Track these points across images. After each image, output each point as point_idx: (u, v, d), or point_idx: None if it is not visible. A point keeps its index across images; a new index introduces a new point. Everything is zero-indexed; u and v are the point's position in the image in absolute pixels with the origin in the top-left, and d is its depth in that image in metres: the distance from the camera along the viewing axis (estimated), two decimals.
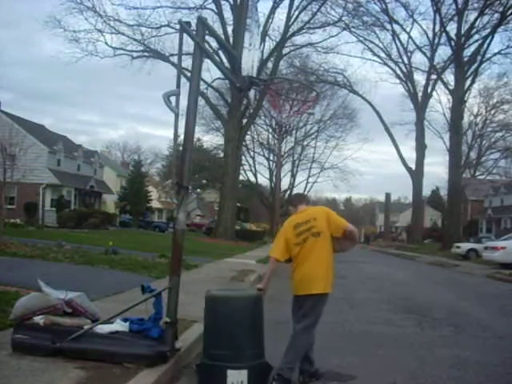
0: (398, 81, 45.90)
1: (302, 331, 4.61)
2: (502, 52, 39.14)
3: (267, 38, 36.15)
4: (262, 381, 4.45)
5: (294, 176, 60.23)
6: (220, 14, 34.37)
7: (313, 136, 57.76)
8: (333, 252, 4.77)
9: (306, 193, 62.89)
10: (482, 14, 36.17)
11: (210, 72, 35.98)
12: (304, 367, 4.72)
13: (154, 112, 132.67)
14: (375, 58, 44.72)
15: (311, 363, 4.79)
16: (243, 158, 49.14)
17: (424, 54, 42.77)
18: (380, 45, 42.82)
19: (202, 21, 5.04)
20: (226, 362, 4.31)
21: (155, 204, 55.45)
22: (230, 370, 4.29)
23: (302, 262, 4.64)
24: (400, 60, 43.56)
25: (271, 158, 57.32)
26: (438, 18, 38.62)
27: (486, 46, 37.51)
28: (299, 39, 40.24)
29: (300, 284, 4.66)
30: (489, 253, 23.83)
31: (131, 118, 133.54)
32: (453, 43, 38.07)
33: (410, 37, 42.26)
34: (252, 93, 6.01)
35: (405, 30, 41.63)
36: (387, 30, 41.14)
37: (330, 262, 4.72)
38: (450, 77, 42.34)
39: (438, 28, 39.99)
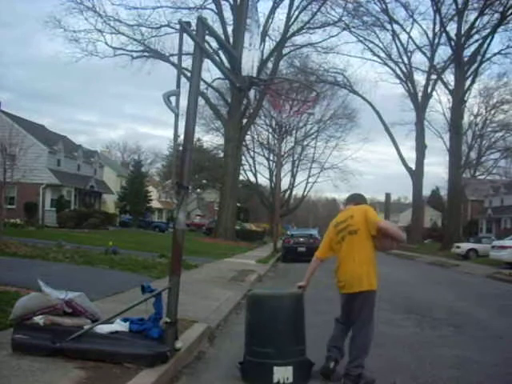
0: (398, 81, 45.93)
1: (360, 329, 4.70)
2: (502, 52, 39.17)
3: (267, 38, 36.23)
4: (305, 377, 4.57)
5: (294, 176, 60.14)
6: (220, 14, 34.39)
7: (313, 136, 57.67)
8: (375, 250, 4.76)
9: (305, 193, 63.07)
10: (481, 13, 36.19)
11: (210, 72, 36.12)
12: (332, 354, 4.76)
13: (153, 112, 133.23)
14: (375, 58, 44.76)
15: (341, 353, 4.83)
16: (243, 157, 49.12)
17: (424, 54, 42.81)
18: (380, 45, 42.87)
19: (202, 21, 5.04)
20: (271, 359, 4.43)
21: (155, 204, 55.45)
22: (276, 366, 4.39)
23: (344, 260, 4.70)
24: (400, 60, 43.60)
25: (271, 158, 57.24)
26: (438, 17, 38.66)
27: (485, 45, 37.54)
28: (299, 39, 40.35)
29: (342, 282, 4.72)
30: (496, 252, 23.83)
31: (130, 118, 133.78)
32: (453, 43, 38.07)
33: (410, 37, 42.31)
34: (252, 93, 6.02)
35: (405, 30, 41.67)
36: (387, 30, 41.19)
37: (371, 259, 4.71)
38: (450, 77, 42.38)
39: (438, 28, 40.03)
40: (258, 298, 4.74)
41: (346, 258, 4.67)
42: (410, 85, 44.43)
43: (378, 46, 42.89)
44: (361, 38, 41.63)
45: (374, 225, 4.62)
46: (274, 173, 55.17)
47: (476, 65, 38.48)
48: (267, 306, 4.61)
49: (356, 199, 5.07)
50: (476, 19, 36.87)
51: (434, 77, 43.13)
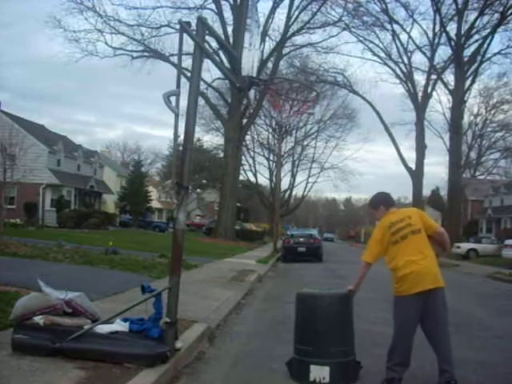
0: (398, 81, 45.75)
1: (446, 327, 4.58)
2: (502, 52, 39.21)
3: (267, 38, 36.24)
4: (347, 379, 4.57)
5: (294, 176, 60.21)
6: (220, 14, 34.41)
7: (313, 136, 57.71)
8: None
9: (306, 193, 63.03)
10: (482, 13, 36.20)
11: (210, 72, 36.08)
12: (443, 367, 4.64)
13: (152, 112, 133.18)
14: (375, 58, 44.64)
15: (450, 364, 4.63)
16: (243, 157, 49.13)
17: (424, 54, 42.74)
18: (380, 45, 42.76)
19: (202, 21, 5.04)
20: (309, 358, 4.52)
21: (155, 204, 55.43)
22: (312, 365, 4.46)
23: (407, 259, 4.50)
24: (400, 60, 43.48)
25: (271, 158, 57.29)
26: (438, 17, 38.61)
27: (485, 46, 37.60)
28: (299, 39, 40.36)
29: (412, 282, 4.45)
30: (508, 251, 24.02)
31: (129, 118, 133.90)
32: (453, 43, 38.08)
33: (409, 37, 42.20)
34: (252, 93, 6.02)
35: (405, 30, 41.58)
36: (387, 30, 41.09)
37: (434, 257, 4.65)
38: (450, 77, 42.37)
39: (438, 28, 39.96)
40: (303, 296, 4.84)
41: (412, 256, 4.50)
42: (410, 85, 44.35)
43: (377, 46, 42.84)
44: (361, 38, 41.59)
45: (432, 230, 4.71)
46: (274, 173, 55.18)
47: (476, 65, 38.51)
48: (308, 305, 4.72)
49: (394, 203, 5.20)
50: (476, 19, 36.90)
51: (434, 77, 43.06)
